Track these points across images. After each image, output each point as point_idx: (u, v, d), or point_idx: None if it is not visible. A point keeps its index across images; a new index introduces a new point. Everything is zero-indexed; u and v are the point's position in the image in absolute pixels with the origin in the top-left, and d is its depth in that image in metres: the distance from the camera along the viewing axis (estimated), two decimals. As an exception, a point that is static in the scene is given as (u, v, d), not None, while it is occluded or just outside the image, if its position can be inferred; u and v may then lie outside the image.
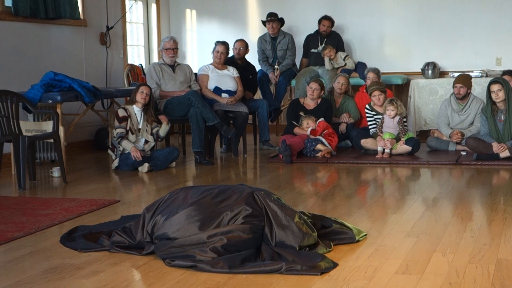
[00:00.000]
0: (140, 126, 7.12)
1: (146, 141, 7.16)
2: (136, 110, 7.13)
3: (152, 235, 3.87)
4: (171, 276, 3.47)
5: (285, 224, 3.76)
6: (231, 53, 8.70)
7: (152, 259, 3.76)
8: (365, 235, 4.14)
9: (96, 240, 4.10)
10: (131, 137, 7.04)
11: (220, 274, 3.44)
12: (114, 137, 7.06)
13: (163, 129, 7.24)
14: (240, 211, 3.74)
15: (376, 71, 8.40)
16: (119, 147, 7.03)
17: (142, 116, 7.14)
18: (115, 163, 7.08)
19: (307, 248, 3.77)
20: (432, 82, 9.02)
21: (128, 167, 7.00)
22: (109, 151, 7.25)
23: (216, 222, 3.73)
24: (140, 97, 7.10)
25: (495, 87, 7.23)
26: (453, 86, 7.88)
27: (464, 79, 7.85)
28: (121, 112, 7.06)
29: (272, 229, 3.77)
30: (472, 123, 7.84)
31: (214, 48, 8.32)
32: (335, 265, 3.57)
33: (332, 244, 3.90)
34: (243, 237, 3.67)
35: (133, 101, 7.16)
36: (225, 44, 8.34)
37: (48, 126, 6.68)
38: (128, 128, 7.03)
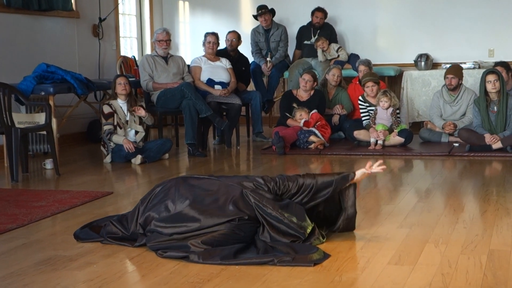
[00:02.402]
0: (127, 118, 7.09)
1: (136, 132, 7.13)
2: (120, 103, 7.08)
3: (145, 227, 3.86)
4: (164, 267, 3.47)
5: (277, 224, 3.76)
6: (223, 45, 8.69)
7: (145, 251, 3.76)
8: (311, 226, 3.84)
9: (99, 231, 4.09)
10: (120, 131, 6.99)
11: (213, 266, 3.44)
12: (104, 133, 7.02)
13: (145, 118, 7.16)
14: (234, 218, 3.72)
15: (367, 63, 8.36)
16: (109, 143, 7.00)
17: (128, 108, 7.09)
18: (108, 159, 7.04)
19: (301, 240, 3.77)
20: (425, 74, 9.03)
21: (121, 159, 6.98)
22: (101, 148, 7.22)
23: (209, 225, 3.71)
24: (120, 89, 7.04)
25: (492, 77, 7.20)
26: (444, 77, 7.88)
27: (455, 70, 7.85)
28: (106, 109, 7.01)
29: (265, 229, 3.77)
30: (464, 114, 7.84)
31: (205, 39, 8.30)
32: (327, 256, 3.57)
33: (325, 235, 3.91)
34: (235, 233, 3.67)
35: (115, 96, 7.12)
36: (215, 34, 8.31)
37: (40, 118, 6.66)
38: (115, 123, 6.99)
